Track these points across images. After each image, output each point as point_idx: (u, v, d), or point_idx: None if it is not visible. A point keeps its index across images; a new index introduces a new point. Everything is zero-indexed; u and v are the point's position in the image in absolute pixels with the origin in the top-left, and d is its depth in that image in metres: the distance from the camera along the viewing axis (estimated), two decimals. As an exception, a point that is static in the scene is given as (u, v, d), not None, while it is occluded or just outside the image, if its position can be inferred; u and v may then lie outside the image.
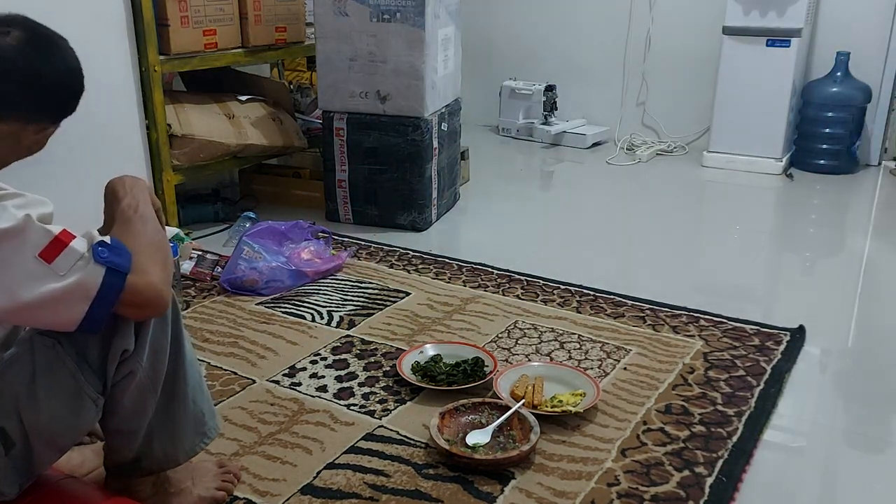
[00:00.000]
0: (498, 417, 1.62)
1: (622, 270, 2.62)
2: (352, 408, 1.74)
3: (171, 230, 2.50)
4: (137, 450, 1.25)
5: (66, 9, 2.36)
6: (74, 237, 1.05)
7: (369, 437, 1.63)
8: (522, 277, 2.49)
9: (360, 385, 1.84)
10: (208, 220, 3.05)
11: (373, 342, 2.06)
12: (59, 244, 1.03)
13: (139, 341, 1.15)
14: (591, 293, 2.37)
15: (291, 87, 3.73)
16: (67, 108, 1.17)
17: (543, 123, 4.47)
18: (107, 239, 1.08)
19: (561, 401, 1.70)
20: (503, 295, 2.36)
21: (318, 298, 2.33)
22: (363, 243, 2.80)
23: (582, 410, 1.69)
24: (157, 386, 1.21)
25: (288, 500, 1.44)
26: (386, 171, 2.93)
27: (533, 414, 1.63)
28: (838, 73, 3.78)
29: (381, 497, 1.44)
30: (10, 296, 1.02)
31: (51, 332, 1.11)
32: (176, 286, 2.31)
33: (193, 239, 2.74)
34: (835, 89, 3.76)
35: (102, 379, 1.15)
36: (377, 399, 1.78)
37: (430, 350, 1.96)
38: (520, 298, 2.34)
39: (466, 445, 1.55)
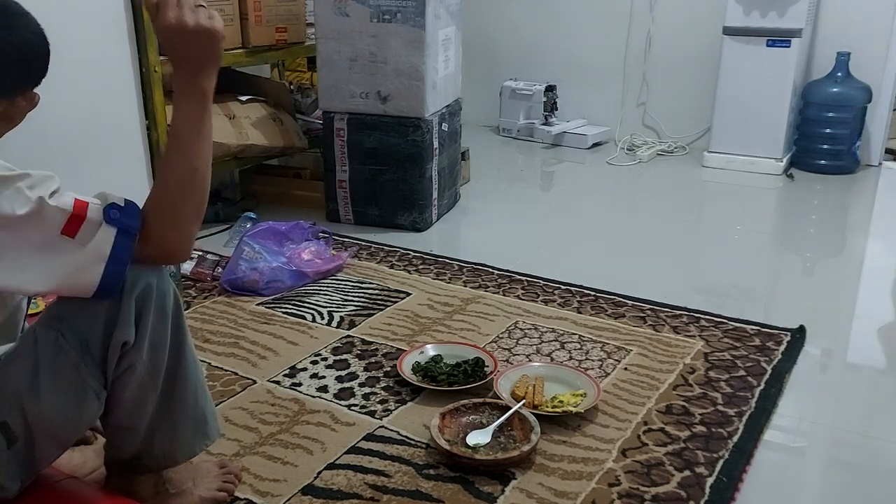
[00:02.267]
0: (498, 418, 1.62)
1: (623, 270, 2.62)
2: (352, 408, 1.74)
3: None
4: (138, 446, 1.25)
5: (66, 9, 2.36)
6: (87, 205, 1.07)
7: (370, 437, 1.63)
8: (523, 278, 2.49)
9: (361, 385, 1.84)
10: (209, 220, 3.03)
11: (373, 342, 2.06)
12: (77, 219, 1.06)
13: (139, 335, 1.16)
14: (592, 293, 2.37)
15: (292, 87, 3.73)
16: (47, 68, 1.16)
17: (544, 124, 4.47)
18: (119, 201, 1.09)
19: (562, 401, 1.70)
20: (504, 295, 2.36)
21: (318, 299, 2.33)
22: (364, 243, 2.80)
23: (583, 411, 1.69)
24: (157, 381, 1.21)
25: (289, 500, 1.44)
26: (386, 171, 2.93)
27: (533, 414, 1.63)
28: (839, 74, 3.77)
29: (382, 497, 1.44)
30: (48, 278, 1.06)
31: (53, 325, 1.12)
32: (176, 287, 2.31)
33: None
34: (835, 89, 3.76)
35: (104, 372, 1.16)
36: (378, 399, 1.78)
37: (430, 350, 1.96)
38: (520, 299, 2.34)
39: (467, 446, 1.55)
